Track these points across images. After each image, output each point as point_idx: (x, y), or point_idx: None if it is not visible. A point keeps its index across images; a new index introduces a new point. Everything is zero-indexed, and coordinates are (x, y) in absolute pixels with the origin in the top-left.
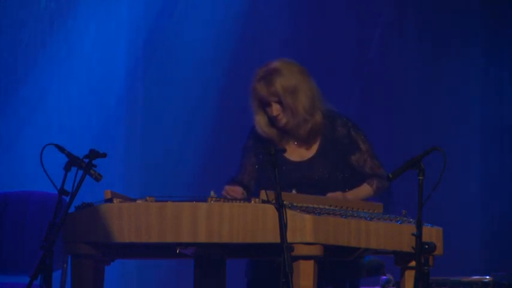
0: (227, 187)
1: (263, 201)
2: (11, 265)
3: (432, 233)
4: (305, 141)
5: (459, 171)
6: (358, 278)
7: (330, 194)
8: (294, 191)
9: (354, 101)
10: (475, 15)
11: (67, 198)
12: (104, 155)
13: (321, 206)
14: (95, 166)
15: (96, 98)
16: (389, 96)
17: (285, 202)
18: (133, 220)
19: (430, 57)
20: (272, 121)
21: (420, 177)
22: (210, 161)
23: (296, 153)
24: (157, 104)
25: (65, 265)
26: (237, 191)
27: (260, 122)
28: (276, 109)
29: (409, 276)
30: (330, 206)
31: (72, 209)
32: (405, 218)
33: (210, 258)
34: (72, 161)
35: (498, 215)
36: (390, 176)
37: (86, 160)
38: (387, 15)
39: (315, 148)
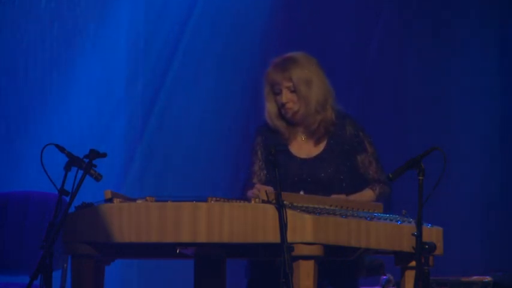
0: (259, 187)
1: (263, 201)
2: (11, 265)
3: (432, 233)
4: (313, 135)
5: (459, 171)
6: (358, 278)
7: (333, 196)
8: (302, 193)
9: (353, 101)
10: (475, 15)
11: (67, 198)
12: (104, 155)
13: (321, 206)
14: (95, 166)
15: (96, 97)
16: (389, 96)
17: (285, 202)
18: (134, 220)
19: (430, 57)
20: (282, 114)
21: (420, 177)
22: (210, 161)
23: (303, 149)
24: (158, 104)
25: (65, 265)
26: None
27: (270, 111)
28: (286, 96)
29: (409, 276)
30: (330, 206)
31: (72, 209)
32: (405, 218)
33: (210, 258)
34: (72, 161)
35: (498, 215)
36: (390, 176)
37: (86, 160)
38: (387, 14)
39: (322, 145)
